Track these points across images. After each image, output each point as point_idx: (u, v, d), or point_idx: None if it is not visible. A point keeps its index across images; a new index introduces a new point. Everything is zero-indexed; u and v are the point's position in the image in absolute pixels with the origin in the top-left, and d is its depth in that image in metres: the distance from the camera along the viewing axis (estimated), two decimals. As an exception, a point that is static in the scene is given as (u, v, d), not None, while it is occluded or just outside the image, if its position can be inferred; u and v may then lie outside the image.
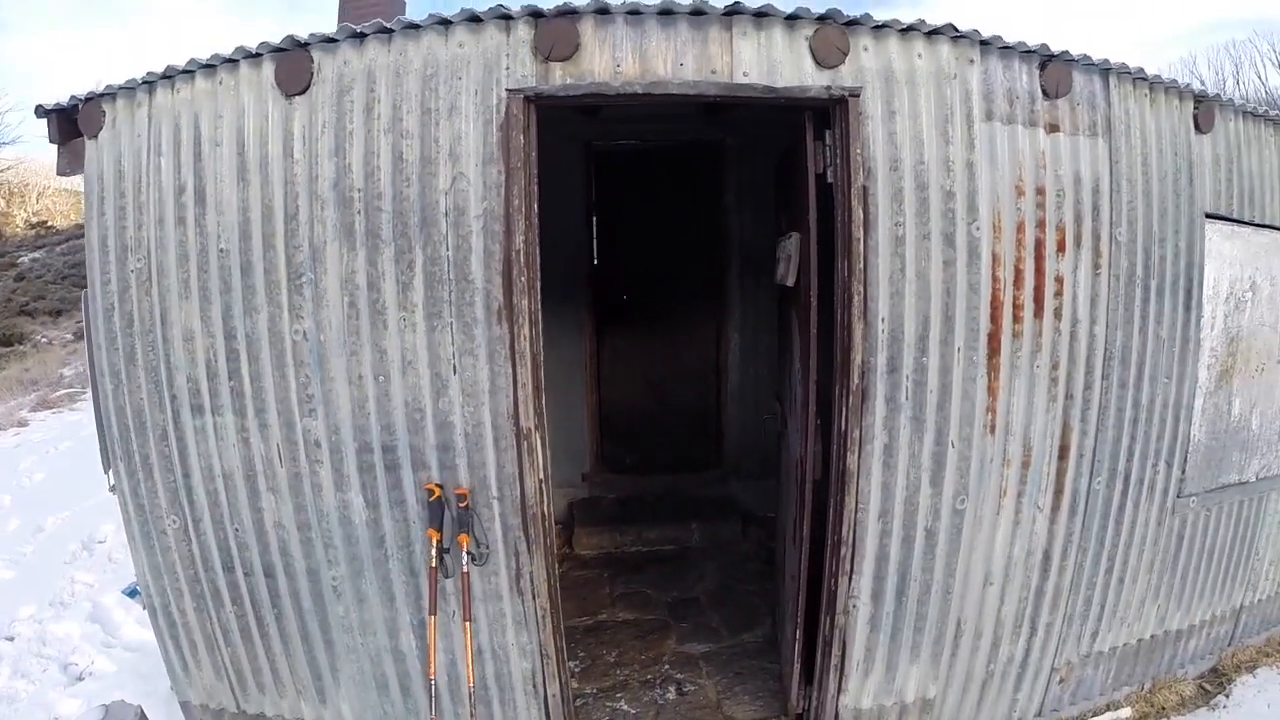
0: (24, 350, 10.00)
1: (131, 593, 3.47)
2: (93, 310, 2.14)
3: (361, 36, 1.81)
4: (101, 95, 2.02)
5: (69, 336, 10.50)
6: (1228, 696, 2.83)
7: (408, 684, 2.11)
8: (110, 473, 2.37)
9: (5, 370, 8.55)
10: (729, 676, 2.51)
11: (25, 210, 19.32)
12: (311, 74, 1.83)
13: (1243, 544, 2.83)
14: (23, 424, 6.55)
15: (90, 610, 3.36)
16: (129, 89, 1.99)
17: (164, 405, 2.04)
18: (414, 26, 1.78)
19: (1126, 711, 2.74)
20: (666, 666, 2.57)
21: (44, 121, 2.11)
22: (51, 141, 2.18)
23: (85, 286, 2.22)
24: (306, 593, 2.05)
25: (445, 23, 1.77)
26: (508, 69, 1.72)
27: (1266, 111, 2.72)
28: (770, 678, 2.50)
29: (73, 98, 2.08)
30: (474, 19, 1.75)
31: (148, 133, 1.95)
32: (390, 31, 1.79)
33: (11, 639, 3.18)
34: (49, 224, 18.26)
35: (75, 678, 2.90)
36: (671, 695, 2.44)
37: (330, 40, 1.83)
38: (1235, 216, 2.59)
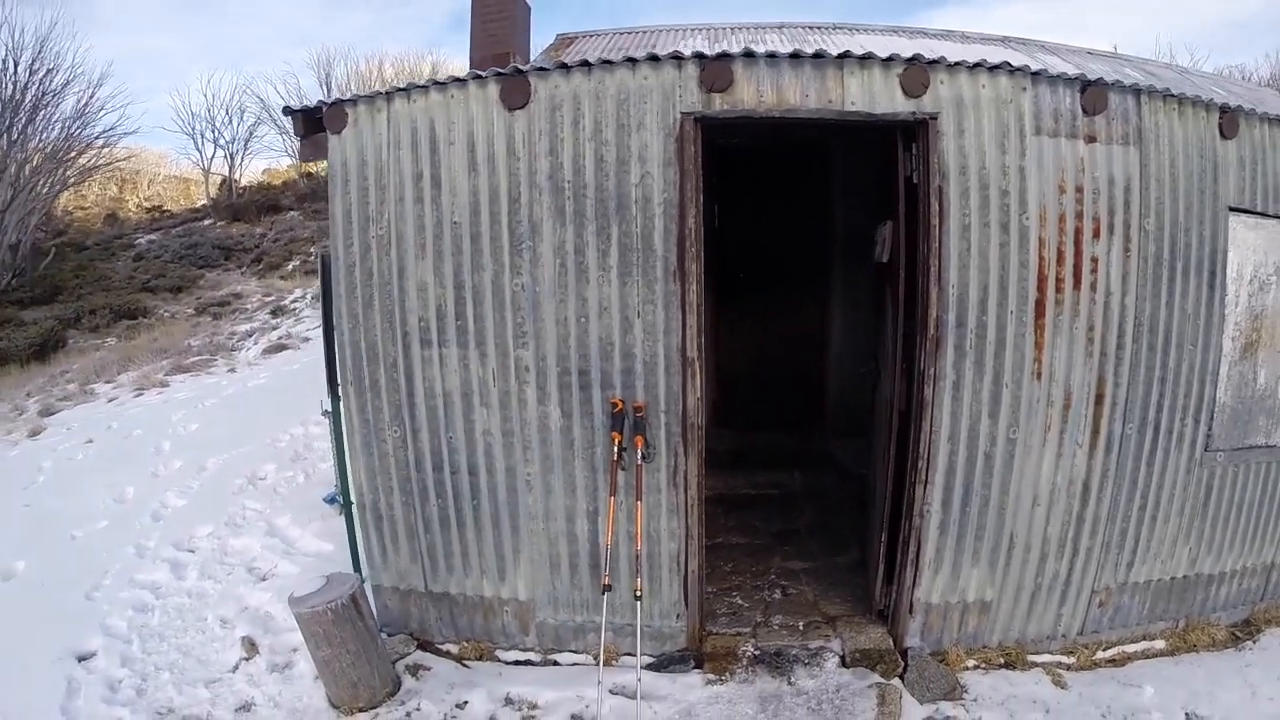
0: (149, 323, 11.81)
1: (331, 499, 4.68)
2: (335, 267, 3.23)
3: (568, 68, 2.91)
4: (345, 100, 3.11)
5: (190, 311, 12.36)
6: (1255, 643, 3.75)
7: (576, 563, 3.10)
8: (326, 398, 3.54)
9: (135, 340, 10.44)
10: (823, 585, 3.54)
11: (138, 195, 22.02)
12: (530, 94, 2.90)
13: (1272, 503, 3.67)
14: (164, 385, 8.24)
15: (265, 528, 4.55)
16: (369, 97, 3.05)
17: (396, 340, 3.10)
18: (609, 63, 2.85)
19: (1160, 643, 3.63)
20: (773, 576, 3.63)
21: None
22: (296, 134, 3.33)
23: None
24: (503, 486, 3.07)
25: (633, 60, 2.84)
26: (680, 96, 2.75)
27: None
28: (857, 588, 3.47)
29: (320, 101, 3.20)
30: (654, 59, 2.82)
31: (387, 131, 3.01)
32: (590, 65, 2.88)
33: (193, 551, 4.34)
34: (162, 208, 20.98)
35: (260, 578, 3.99)
36: (777, 596, 3.49)
37: (543, 69, 2.91)
38: (1259, 210, 3.55)
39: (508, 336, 2.88)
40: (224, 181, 21.01)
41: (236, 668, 3.27)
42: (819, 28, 5.06)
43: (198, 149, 21.32)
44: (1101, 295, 2.95)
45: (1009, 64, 2.79)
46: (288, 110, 3.13)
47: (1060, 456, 3.02)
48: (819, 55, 2.70)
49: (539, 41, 6.95)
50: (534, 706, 2.89)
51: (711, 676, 2.97)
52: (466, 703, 2.91)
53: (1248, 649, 3.46)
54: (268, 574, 4.07)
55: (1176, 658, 3.38)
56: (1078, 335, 2.94)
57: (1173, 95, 3.07)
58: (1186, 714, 2.89)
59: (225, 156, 22.14)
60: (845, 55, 2.70)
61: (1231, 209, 3.24)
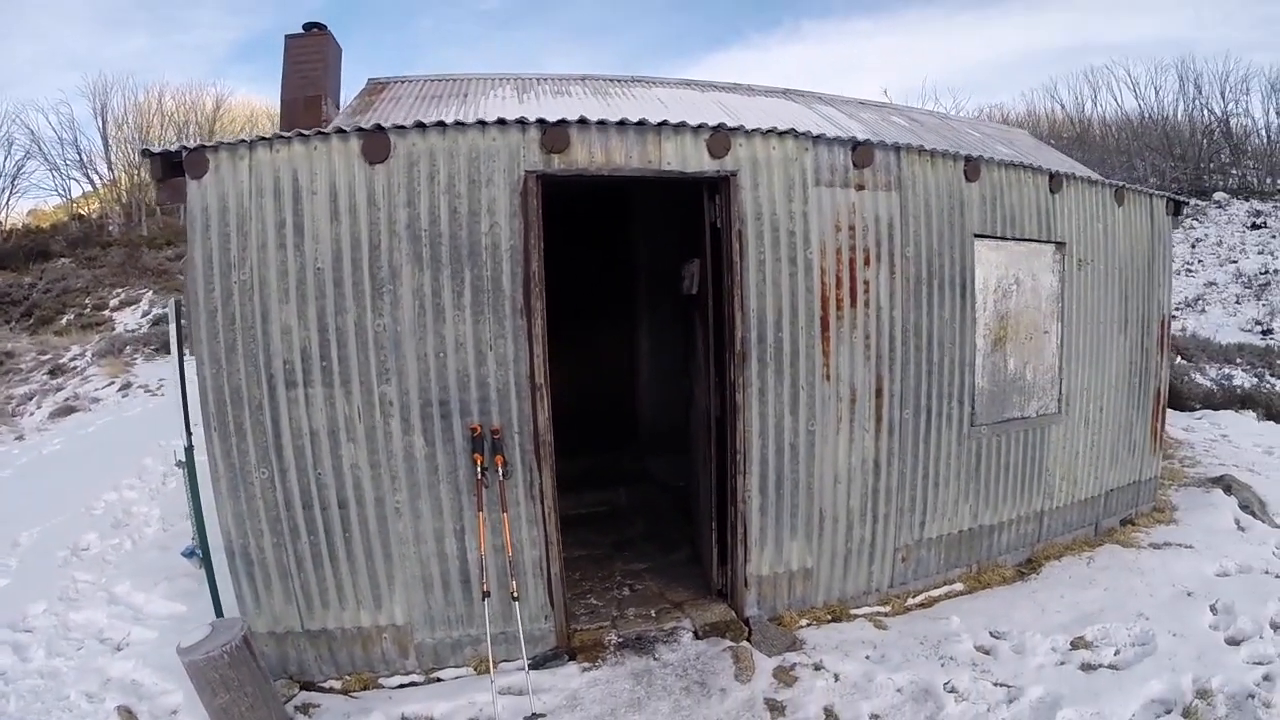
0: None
1: (190, 553, 4.79)
2: (194, 312, 3.60)
3: (424, 127, 3.54)
4: (207, 147, 3.47)
5: None
6: (1037, 575, 5.17)
7: (448, 580, 3.67)
8: (180, 448, 3.87)
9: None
10: (665, 579, 4.31)
11: None
12: (390, 150, 3.48)
13: (1033, 463, 5.05)
14: None
15: (106, 598, 4.54)
16: (231, 145, 3.44)
17: (261, 383, 3.51)
18: (461, 124, 3.52)
19: (960, 586, 4.93)
20: (618, 577, 4.34)
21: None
22: (153, 178, 3.66)
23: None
24: (373, 516, 3.57)
25: (484, 123, 3.53)
26: (524, 156, 3.43)
27: (1022, 162, 5.24)
28: (695, 578, 4.27)
29: (182, 147, 3.56)
30: (502, 122, 3.54)
31: (249, 179, 3.37)
32: (445, 125, 3.54)
33: (30, 630, 4.25)
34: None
35: (115, 648, 4.02)
36: (626, 592, 4.19)
37: (401, 128, 3.51)
38: (1000, 234, 5.01)
39: (371, 374, 3.45)
40: None
41: None
42: (619, 80, 6.08)
43: (-44, 186, 19.13)
44: (874, 310, 4.10)
45: (795, 130, 3.83)
46: (146, 152, 3.38)
47: (852, 441, 4.13)
48: (641, 123, 3.56)
49: (346, 82, 7.56)
50: (431, 719, 3.41)
51: (586, 665, 3.66)
52: None
53: (1033, 580, 4.72)
54: (122, 643, 4.14)
55: (975, 595, 4.55)
56: (857, 343, 4.07)
57: (925, 150, 4.32)
58: (990, 632, 3.96)
59: None
60: (663, 124, 3.58)
61: (977, 235, 4.58)
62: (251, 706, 3.13)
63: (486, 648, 3.46)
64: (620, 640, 3.79)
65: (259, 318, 3.36)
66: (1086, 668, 3.69)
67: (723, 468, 3.83)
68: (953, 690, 3.51)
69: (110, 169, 22.23)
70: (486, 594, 3.41)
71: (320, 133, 3.32)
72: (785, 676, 3.60)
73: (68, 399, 9.88)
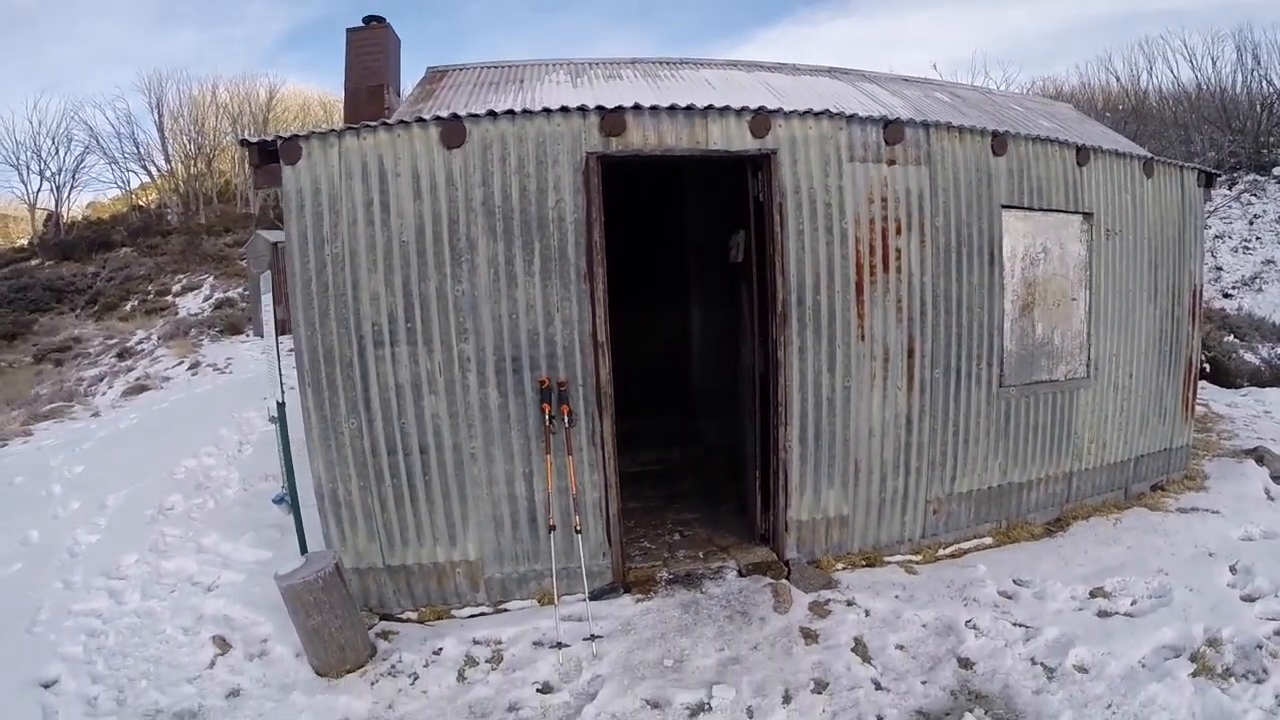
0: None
1: (279, 499, 5.50)
2: (292, 281, 4.24)
3: (496, 115, 4.07)
4: (300, 136, 4.07)
5: (29, 359, 12.21)
6: (1065, 533, 5.55)
7: (517, 519, 4.20)
8: (273, 404, 4.51)
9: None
10: (712, 527, 4.82)
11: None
12: (465, 136, 4.05)
13: (1061, 425, 5.38)
14: (28, 434, 8.54)
15: (195, 548, 5.16)
16: (322, 134, 4.06)
17: (351, 343, 4.09)
18: (529, 112, 4.04)
19: (989, 539, 5.31)
20: (670, 525, 4.86)
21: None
22: (250, 165, 4.28)
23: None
24: (450, 461, 4.16)
25: (549, 110, 4.04)
26: (585, 139, 3.96)
27: (1050, 137, 5.55)
28: (741, 526, 4.78)
29: (277, 136, 4.14)
30: (565, 109, 4.05)
31: (339, 163, 4.01)
32: (514, 113, 4.06)
33: (125, 578, 4.84)
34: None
35: (206, 589, 4.61)
36: (677, 537, 4.71)
37: (475, 116, 4.05)
38: (1027, 205, 5.34)
39: (451, 333, 4.00)
40: (49, 217, 20.40)
41: (213, 664, 3.89)
42: (668, 62, 6.52)
43: (23, 181, 20.70)
44: (905, 276, 4.50)
45: (830, 110, 4.27)
46: (244, 142, 3.98)
47: (885, 398, 4.55)
48: (689, 108, 4.03)
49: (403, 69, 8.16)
50: (498, 642, 3.87)
51: (639, 597, 4.19)
52: (441, 649, 3.84)
53: (1060, 537, 5.08)
54: (212, 585, 4.70)
55: (1003, 548, 4.93)
56: (890, 306, 4.48)
57: (954, 126, 4.70)
58: (1013, 580, 4.36)
59: (52, 189, 21.53)
60: (709, 107, 4.04)
61: (1004, 206, 4.94)
62: (340, 628, 3.70)
63: (551, 580, 4.01)
64: (670, 577, 4.30)
65: (349, 285, 3.93)
66: (1102, 614, 4.03)
67: (766, 420, 4.31)
68: (974, 627, 3.90)
69: (167, 160, 23.50)
70: (552, 528, 3.94)
71: (403, 121, 3.86)
72: (819, 610, 4.07)
73: (139, 378, 10.76)
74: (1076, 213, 5.24)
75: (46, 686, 3.82)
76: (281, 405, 4.63)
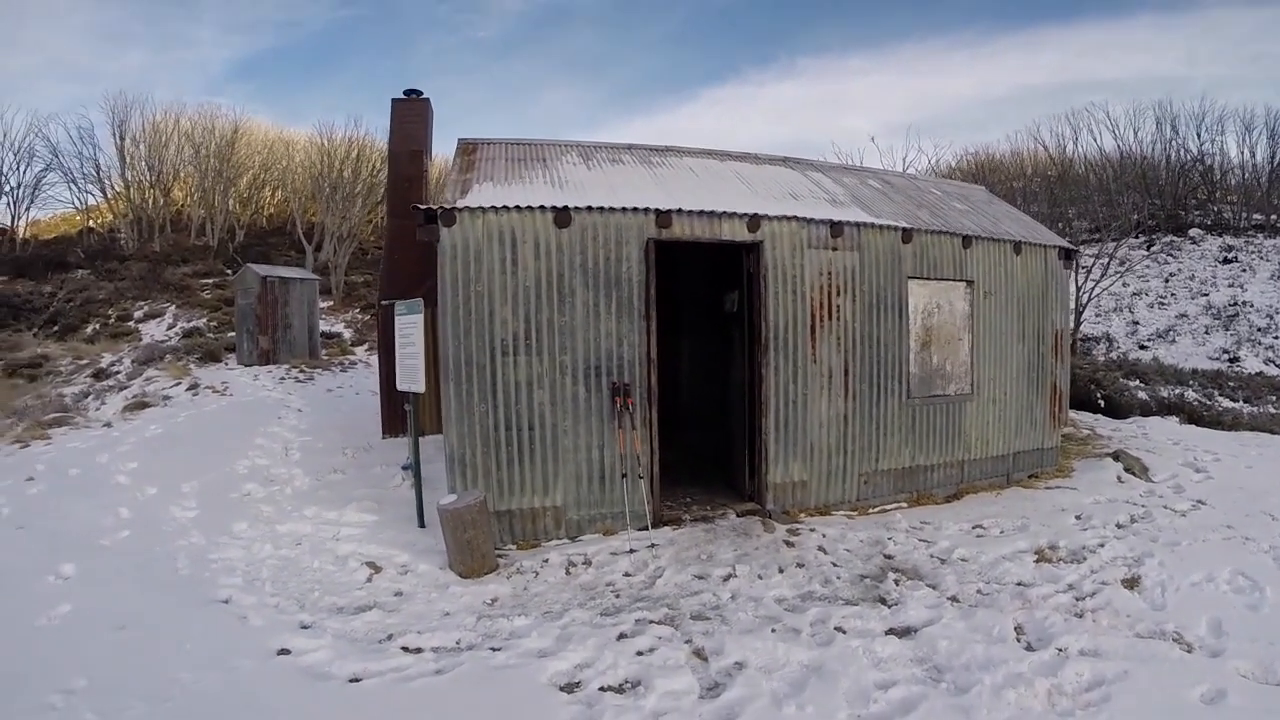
0: None
1: (405, 466, 8.55)
2: (443, 309, 7.44)
3: (591, 209, 7.51)
4: (456, 209, 7.36)
5: None
6: (959, 501, 9.29)
7: (591, 476, 7.50)
8: (409, 401, 7.72)
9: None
10: (711, 496, 8.27)
11: None
12: (570, 220, 7.47)
13: (954, 426, 9.16)
14: (46, 438, 10.72)
15: (299, 517, 7.85)
16: (472, 209, 7.37)
17: (485, 351, 7.36)
18: (611, 209, 7.54)
19: (904, 504, 8.99)
20: (681, 496, 8.27)
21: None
22: (415, 223, 7.50)
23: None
24: (550, 436, 7.41)
25: (625, 209, 7.54)
26: (645, 228, 7.58)
27: (942, 229, 9.48)
28: (732, 496, 8.26)
29: (442, 206, 7.40)
30: (635, 209, 7.56)
31: (483, 229, 7.40)
32: (604, 209, 7.51)
33: (243, 538, 7.45)
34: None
35: (334, 538, 7.38)
36: (688, 500, 8.08)
37: (578, 208, 7.49)
38: (925, 276, 9.20)
39: (555, 348, 7.34)
40: (4, 233, 22.34)
41: (370, 579, 6.61)
42: (657, 149, 10.07)
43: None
44: (843, 322, 8.19)
45: (797, 215, 7.98)
46: (415, 208, 7.34)
47: (830, 402, 8.19)
48: (713, 212, 7.66)
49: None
50: (585, 555, 6.96)
51: (673, 529, 7.58)
52: (547, 559, 6.90)
53: (955, 504, 8.70)
54: (336, 536, 7.45)
55: (914, 509, 8.43)
56: (832, 342, 8.15)
57: (876, 225, 8.51)
58: (921, 521, 7.88)
59: (8, 205, 23.56)
60: (725, 212, 7.69)
61: (910, 276, 8.77)
62: (483, 541, 6.88)
63: (615, 519, 7.36)
64: (692, 518, 7.72)
65: (487, 313, 7.24)
66: (979, 536, 7.54)
67: (753, 414, 7.85)
68: (894, 542, 7.36)
69: (125, 184, 25.68)
70: (624, 475, 7.33)
71: (530, 207, 7.29)
72: (793, 533, 7.53)
73: (137, 396, 13.31)
74: (962, 280, 9.11)
75: (224, 602, 5.67)
76: (416, 397, 7.84)
